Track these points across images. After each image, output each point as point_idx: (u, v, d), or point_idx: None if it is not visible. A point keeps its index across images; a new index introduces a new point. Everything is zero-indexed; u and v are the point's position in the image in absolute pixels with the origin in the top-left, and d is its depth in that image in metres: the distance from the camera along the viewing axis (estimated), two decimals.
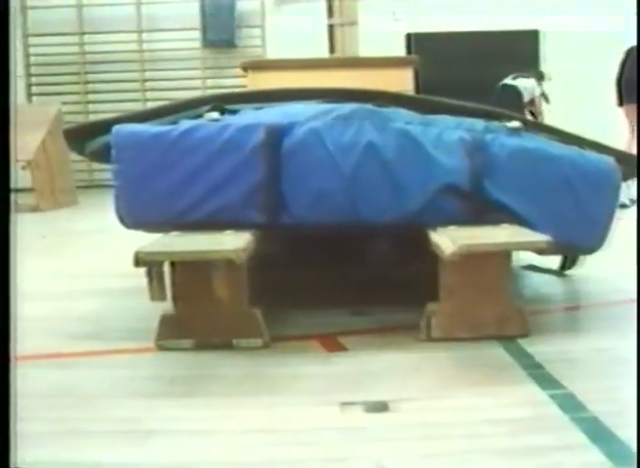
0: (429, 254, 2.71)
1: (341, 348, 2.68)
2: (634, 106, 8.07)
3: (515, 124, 3.05)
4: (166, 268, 2.67)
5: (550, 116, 9.92)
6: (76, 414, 2.19)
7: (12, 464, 1.62)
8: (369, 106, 3.06)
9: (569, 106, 9.92)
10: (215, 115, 3.06)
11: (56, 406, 2.25)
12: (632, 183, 4.81)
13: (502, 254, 2.75)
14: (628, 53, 8.22)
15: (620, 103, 8.25)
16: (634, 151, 6.16)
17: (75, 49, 11.47)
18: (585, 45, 10.07)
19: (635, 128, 7.62)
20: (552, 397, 2.18)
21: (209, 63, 11.42)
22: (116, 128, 3.04)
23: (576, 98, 10.53)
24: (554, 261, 3.74)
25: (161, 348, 2.71)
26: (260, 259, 2.84)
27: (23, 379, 2.31)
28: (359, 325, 2.98)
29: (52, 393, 2.37)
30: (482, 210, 2.91)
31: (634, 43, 8.10)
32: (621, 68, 8.28)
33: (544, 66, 10.40)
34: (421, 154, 2.93)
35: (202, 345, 2.68)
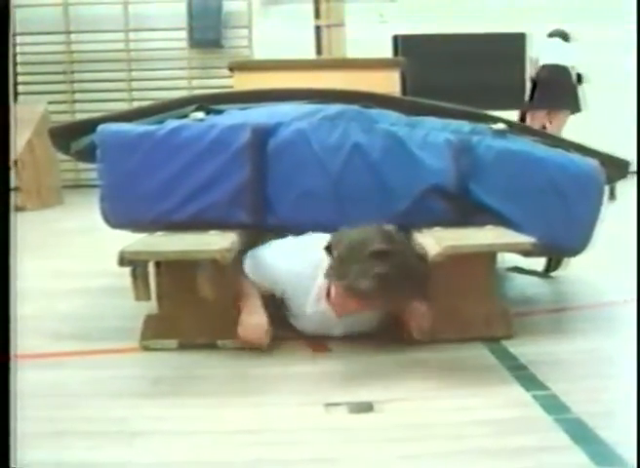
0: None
1: (327, 349, 2.68)
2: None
3: (501, 126, 3.06)
4: (151, 268, 2.67)
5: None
6: (61, 414, 2.19)
7: (12, 464, 1.61)
8: (355, 107, 3.06)
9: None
10: (200, 115, 3.05)
11: (40, 405, 2.24)
12: None
13: (487, 256, 2.76)
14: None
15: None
16: None
17: (62, 48, 11.43)
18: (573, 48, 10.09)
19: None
20: (536, 398, 2.20)
21: (195, 64, 11.40)
22: (101, 127, 3.03)
23: None
24: (539, 263, 3.75)
25: (145, 348, 2.71)
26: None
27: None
28: None
29: (36, 393, 2.35)
30: (467, 211, 2.92)
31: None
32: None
33: (531, 69, 10.41)
34: (407, 155, 2.93)
35: (187, 345, 2.68)
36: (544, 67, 8.76)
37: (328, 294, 2.62)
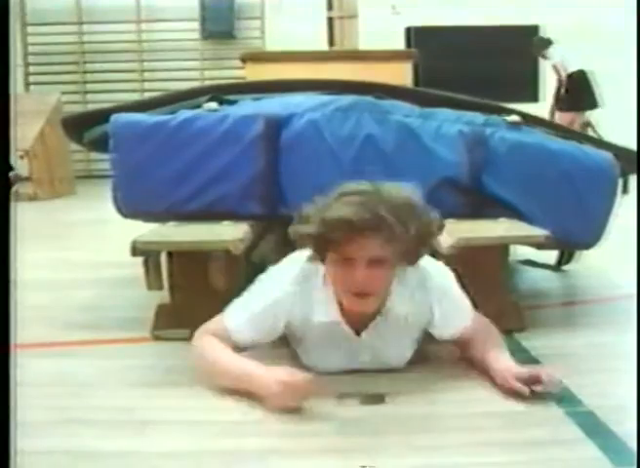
0: None
1: None
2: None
3: (515, 118, 3.05)
4: (163, 258, 2.67)
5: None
6: (73, 403, 2.19)
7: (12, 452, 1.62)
8: (368, 98, 3.05)
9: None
10: (213, 105, 3.05)
11: (52, 394, 2.25)
12: None
13: (500, 248, 2.75)
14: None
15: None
16: None
17: (74, 38, 11.45)
18: (586, 39, 10.05)
19: None
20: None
21: (208, 55, 11.40)
22: (114, 117, 3.03)
23: None
24: (551, 256, 3.74)
25: (157, 338, 2.71)
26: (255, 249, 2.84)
27: (20, 368, 2.32)
28: None
29: (48, 382, 2.37)
30: (480, 203, 2.91)
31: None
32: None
33: (544, 62, 10.38)
34: (420, 147, 2.92)
35: None
36: (573, 73, 9.57)
37: (341, 306, 2.21)
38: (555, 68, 9.66)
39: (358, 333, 2.24)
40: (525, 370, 2.14)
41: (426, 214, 2.12)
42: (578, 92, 9.47)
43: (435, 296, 2.25)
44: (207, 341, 2.24)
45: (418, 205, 2.10)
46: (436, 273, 2.29)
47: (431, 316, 2.28)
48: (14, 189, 9.15)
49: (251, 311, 2.22)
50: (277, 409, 2.01)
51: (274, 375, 2.04)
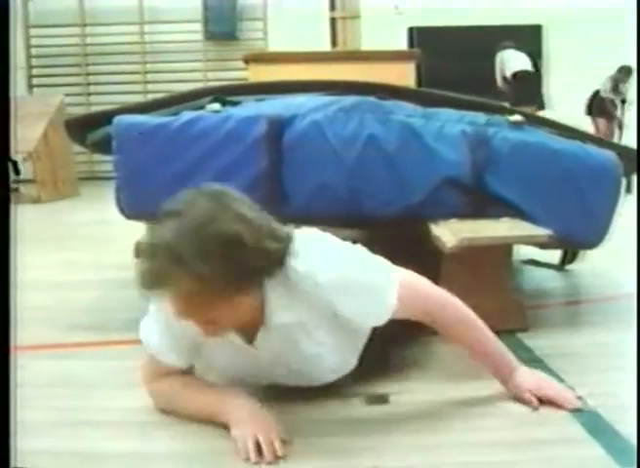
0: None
1: None
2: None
3: (517, 117, 3.04)
4: None
5: (554, 114, 9.93)
6: (77, 404, 2.20)
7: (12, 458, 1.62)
8: (371, 99, 3.06)
9: (573, 105, 9.92)
10: (216, 107, 3.05)
11: (56, 395, 2.26)
12: None
13: (503, 248, 2.75)
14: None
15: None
16: None
17: (77, 40, 11.47)
18: (590, 37, 10.07)
19: None
20: None
21: (210, 56, 11.42)
22: (117, 119, 3.04)
23: (580, 97, 10.55)
24: (554, 256, 3.74)
25: None
26: None
27: (24, 369, 2.33)
28: None
29: (52, 383, 2.37)
30: (483, 203, 2.91)
31: None
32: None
33: (547, 61, 10.39)
34: (423, 147, 2.92)
35: None
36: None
37: None
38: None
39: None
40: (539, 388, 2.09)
41: (258, 240, 1.80)
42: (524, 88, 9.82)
43: (328, 292, 1.93)
44: (162, 387, 2.09)
45: (239, 239, 1.77)
46: (324, 267, 1.93)
47: (341, 314, 1.97)
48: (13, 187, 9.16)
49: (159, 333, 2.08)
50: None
51: (252, 428, 1.86)
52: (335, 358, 2.10)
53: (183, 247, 1.73)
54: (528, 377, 2.13)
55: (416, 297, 2.06)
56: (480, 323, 2.13)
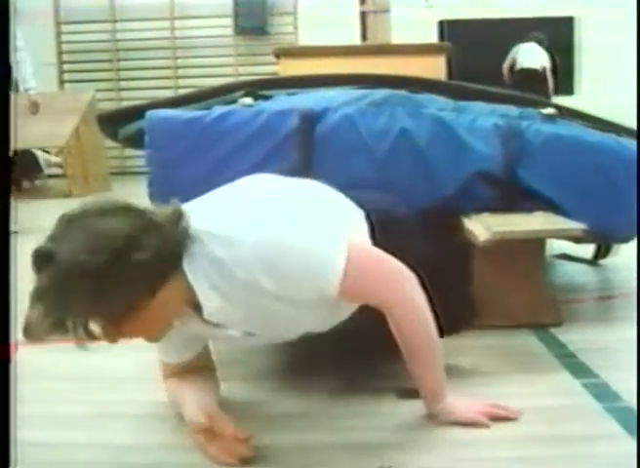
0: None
1: None
2: None
3: (550, 110, 3.02)
4: None
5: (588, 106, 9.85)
6: (105, 398, 2.22)
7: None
8: (402, 92, 3.04)
9: (607, 99, 9.83)
10: (248, 101, 3.05)
11: (83, 389, 2.28)
12: None
13: (537, 242, 2.73)
14: None
15: None
16: None
17: (107, 36, 11.54)
18: (623, 30, 9.97)
19: None
20: (585, 386, 2.17)
21: (241, 50, 11.44)
22: (149, 113, 3.05)
23: (613, 90, 10.45)
24: (588, 250, 3.71)
25: None
26: None
27: (50, 363, 2.35)
28: None
29: (79, 376, 2.39)
30: (516, 197, 2.89)
31: None
32: None
33: (579, 54, 10.31)
34: (455, 140, 2.91)
35: None
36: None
37: None
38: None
39: None
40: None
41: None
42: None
43: (253, 270, 1.74)
44: (167, 388, 2.07)
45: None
46: (244, 230, 1.77)
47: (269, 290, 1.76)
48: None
49: None
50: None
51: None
52: (315, 318, 1.91)
53: (62, 295, 1.59)
54: (460, 401, 1.96)
55: (363, 278, 1.82)
56: (433, 332, 1.91)
